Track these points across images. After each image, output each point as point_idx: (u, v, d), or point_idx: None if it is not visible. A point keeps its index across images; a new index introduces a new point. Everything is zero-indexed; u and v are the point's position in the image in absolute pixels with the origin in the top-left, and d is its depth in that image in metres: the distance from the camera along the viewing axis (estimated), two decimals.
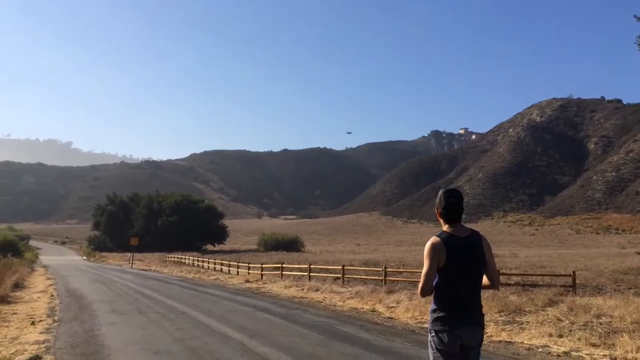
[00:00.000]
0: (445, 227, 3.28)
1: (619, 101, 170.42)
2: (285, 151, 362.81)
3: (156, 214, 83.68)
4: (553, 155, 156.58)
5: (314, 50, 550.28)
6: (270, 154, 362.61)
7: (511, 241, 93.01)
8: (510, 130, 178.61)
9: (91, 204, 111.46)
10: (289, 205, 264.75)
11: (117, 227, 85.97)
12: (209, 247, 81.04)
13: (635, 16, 24.02)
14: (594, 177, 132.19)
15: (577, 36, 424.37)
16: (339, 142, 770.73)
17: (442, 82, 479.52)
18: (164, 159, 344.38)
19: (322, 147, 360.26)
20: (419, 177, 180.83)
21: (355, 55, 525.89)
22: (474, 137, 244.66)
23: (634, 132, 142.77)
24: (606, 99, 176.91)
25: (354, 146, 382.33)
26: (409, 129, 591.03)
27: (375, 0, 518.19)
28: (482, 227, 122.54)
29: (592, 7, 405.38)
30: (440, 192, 3.35)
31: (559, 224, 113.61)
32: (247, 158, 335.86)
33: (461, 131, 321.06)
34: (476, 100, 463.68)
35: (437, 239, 3.21)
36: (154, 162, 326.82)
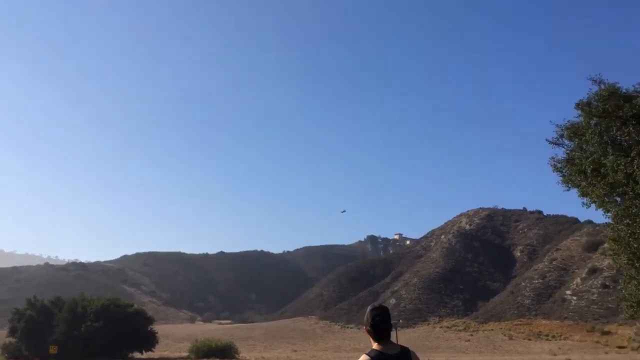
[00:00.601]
0: (374, 345, 3.51)
1: (540, 212, 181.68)
2: (222, 254, 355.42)
3: (80, 319, 78.82)
4: (483, 262, 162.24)
5: (250, 151, 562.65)
6: (206, 256, 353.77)
7: (448, 347, 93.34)
8: (442, 236, 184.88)
9: (9, 307, 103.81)
10: (224, 309, 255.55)
11: (35, 333, 79.92)
12: (137, 354, 76.54)
13: (547, 139, 27.14)
14: (522, 283, 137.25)
15: (498, 154, 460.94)
16: (277, 245, 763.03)
17: (377, 188, 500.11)
18: (92, 260, 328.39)
19: (259, 250, 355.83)
20: (355, 281, 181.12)
21: (292, 162, 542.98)
22: (408, 242, 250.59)
23: (555, 242, 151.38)
24: (528, 210, 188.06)
25: (291, 249, 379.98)
26: (345, 233, 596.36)
27: (301, 107, 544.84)
28: (419, 332, 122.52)
29: (516, 132, 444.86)
30: (368, 310, 3.61)
31: (492, 329, 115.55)
32: (182, 260, 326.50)
33: (396, 236, 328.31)
34: (410, 207, 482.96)
35: (367, 357, 3.45)
36: (81, 263, 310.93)
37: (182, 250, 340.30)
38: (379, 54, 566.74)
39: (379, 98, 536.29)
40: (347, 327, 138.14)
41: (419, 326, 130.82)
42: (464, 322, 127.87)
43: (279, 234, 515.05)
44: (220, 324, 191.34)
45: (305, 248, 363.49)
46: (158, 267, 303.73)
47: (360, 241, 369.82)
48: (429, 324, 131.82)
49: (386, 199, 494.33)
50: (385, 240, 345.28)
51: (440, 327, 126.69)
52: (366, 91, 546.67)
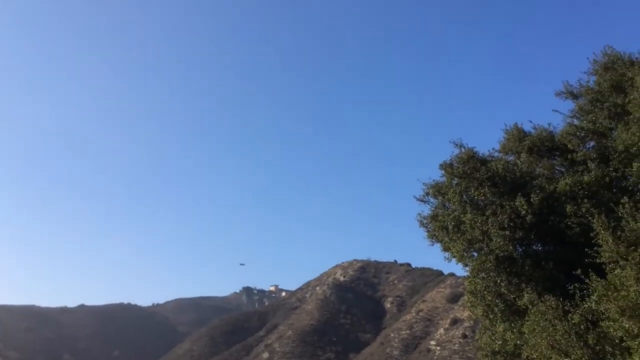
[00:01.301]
0: None
1: (409, 265, 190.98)
2: (82, 307, 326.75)
3: None
4: (356, 314, 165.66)
5: (117, 190, 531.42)
6: (64, 309, 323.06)
7: None
8: (318, 288, 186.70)
9: None
10: None
11: None
12: None
13: (415, 197, 28.72)
14: (392, 334, 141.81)
15: (372, 208, 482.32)
16: (144, 297, 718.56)
17: (253, 239, 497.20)
18: None
19: (125, 302, 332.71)
20: (229, 335, 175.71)
21: (162, 207, 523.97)
22: (284, 294, 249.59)
23: (422, 293, 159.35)
24: (398, 262, 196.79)
25: (161, 301, 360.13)
26: (220, 284, 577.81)
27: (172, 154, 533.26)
28: None
29: (389, 188, 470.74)
30: None
31: None
32: (36, 314, 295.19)
33: (272, 288, 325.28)
34: (286, 258, 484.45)
35: None
36: None
37: (36, 303, 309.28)
38: (251, 111, 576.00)
39: (254, 147, 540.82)
40: None
41: None
42: None
43: (147, 284, 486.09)
44: None
45: (176, 300, 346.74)
46: (6, 321, 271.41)
47: (235, 292, 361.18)
48: None
49: (263, 250, 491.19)
50: (261, 291, 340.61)
51: None
52: (242, 141, 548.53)
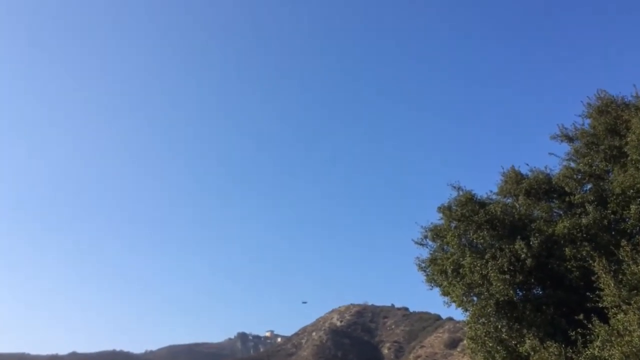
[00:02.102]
0: None
1: (407, 309, 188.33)
2: (73, 354, 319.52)
3: None
4: (352, 359, 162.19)
5: (104, 236, 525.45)
6: (55, 357, 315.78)
7: None
8: (314, 333, 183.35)
9: None
10: None
11: None
12: None
13: (412, 240, 28.47)
14: None
15: (370, 250, 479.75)
16: (137, 344, 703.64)
17: (248, 283, 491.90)
18: None
19: (118, 349, 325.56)
20: None
21: (154, 252, 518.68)
22: (279, 340, 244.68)
23: (420, 338, 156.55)
24: (395, 306, 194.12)
25: (154, 348, 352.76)
26: (214, 330, 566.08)
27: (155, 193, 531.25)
28: None
29: (387, 229, 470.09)
30: None
31: None
32: None
33: (267, 334, 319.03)
34: (281, 303, 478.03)
35: None
36: None
37: (27, 351, 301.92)
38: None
39: (244, 191, 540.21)
40: None
41: None
42: None
43: (139, 331, 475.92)
44: None
45: (169, 347, 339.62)
46: None
47: (230, 338, 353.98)
48: None
49: (258, 294, 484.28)
50: (257, 337, 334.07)
51: None
52: (231, 190, 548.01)
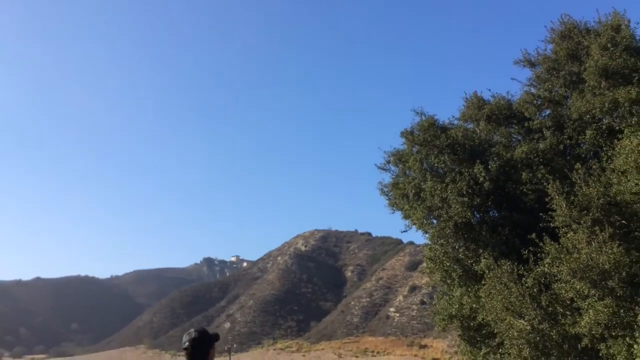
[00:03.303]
0: None
1: (369, 234, 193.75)
2: (38, 280, 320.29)
3: None
4: (317, 283, 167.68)
5: (74, 159, 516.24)
6: (19, 283, 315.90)
7: None
8: (279, 258, 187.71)
9: None
10: (39, 342, 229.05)
11: None
12: None
13: (375, 165, 28.79)
14: (352, 302, 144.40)
15: (334, 176, 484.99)
16: (103, 269, 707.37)
17: (213, 209, 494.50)
18: None
19: (83, 274, 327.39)
20: (190, 305, 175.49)
21: (123, 176, 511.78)
22: (245, 264, 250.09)
23: (382, 262, 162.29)
24: (359, 231, 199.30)
25: (119, 274, 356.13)
26: (180, 255, 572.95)
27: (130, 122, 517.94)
28: (253, 356, 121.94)
29: (350, 155, 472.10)
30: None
31: (323, 348, 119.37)
32: None
33: (233, 258, 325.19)
34: (247, 229, 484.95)
35: None
36: None
37: None
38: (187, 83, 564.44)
39: (210, 115, 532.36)
40: (179, 356, 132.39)
41: (253, 349, 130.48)
42: (297, 343, 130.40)
43: (105, 256, 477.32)
44: (33, 358, 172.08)
45: (135, 272, 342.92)
46: None
47: (196, 264, 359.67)
48: (262, 346, 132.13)
49: (224, 220, 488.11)
50: (222, 262, 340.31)
51: (274, 350, 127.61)
52: (198, 113, 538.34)
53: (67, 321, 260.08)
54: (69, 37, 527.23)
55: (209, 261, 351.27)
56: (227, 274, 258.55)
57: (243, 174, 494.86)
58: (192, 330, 4.20)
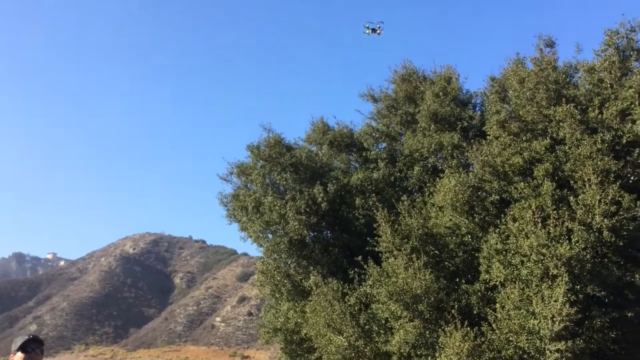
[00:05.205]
0: None
1: (204, 242, 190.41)
2: None
3: None
4: (142, 287, 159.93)
5: None
6: None
7: None
8: (103, 259, 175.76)
9: None
10: None
11: None
12: None
13: (218, 175, 28.54)
14: (177, 310, 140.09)
15: (172, 181, 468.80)
16: None
17: (30, 199, 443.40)
18: None
19: None
20: None
21: None
22: (62, 263, 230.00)
23: (214, 271, 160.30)
24: (193, 238, 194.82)
25: None
26: None
27: None
28: None
29: (194, 162, 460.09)
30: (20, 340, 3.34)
31: (140, 357, 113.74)
32: None
33: (49, 256, 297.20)
34: (70, 224, 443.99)
35: None
36: None
37: None
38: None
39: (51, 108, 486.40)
40: None
41: (61, 355, 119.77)
42: (112, 350, 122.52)
43: None
44: None
45: None
46: None
47: (3, 258, 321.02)
48: (72, 352, 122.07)
49: (40, 212, 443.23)
50: (36, 259, 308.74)
51: (85, 356, 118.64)
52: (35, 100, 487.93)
53: None
54: None
55: (19, 256, 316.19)
56: (40, 271, 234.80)
57: (67, 164, 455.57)
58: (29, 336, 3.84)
